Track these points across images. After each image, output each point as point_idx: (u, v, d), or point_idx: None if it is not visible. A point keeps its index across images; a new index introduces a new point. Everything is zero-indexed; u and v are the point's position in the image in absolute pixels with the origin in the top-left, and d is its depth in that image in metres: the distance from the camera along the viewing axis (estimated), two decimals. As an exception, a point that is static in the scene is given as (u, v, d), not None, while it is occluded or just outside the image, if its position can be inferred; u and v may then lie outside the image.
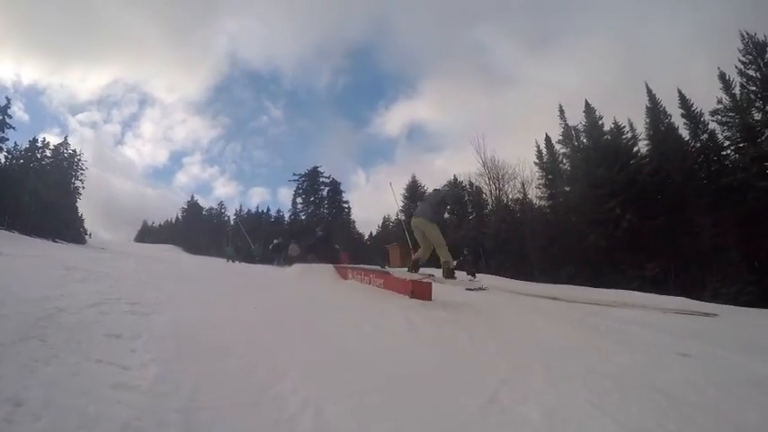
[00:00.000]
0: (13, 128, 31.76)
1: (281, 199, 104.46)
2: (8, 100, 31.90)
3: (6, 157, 32.18)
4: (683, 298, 12.65)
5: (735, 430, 3.08)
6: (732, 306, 12.40)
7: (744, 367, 4.70)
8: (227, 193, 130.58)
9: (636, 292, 14.89)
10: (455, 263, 9.50)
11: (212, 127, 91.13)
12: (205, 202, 64.18)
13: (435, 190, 9.52)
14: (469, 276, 13.10)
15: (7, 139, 31.37)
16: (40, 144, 35.62)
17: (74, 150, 37.82)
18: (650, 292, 15.58)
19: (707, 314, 9.27)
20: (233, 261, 29.05)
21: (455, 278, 8.98)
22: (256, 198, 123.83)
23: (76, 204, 36.71)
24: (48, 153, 35.90)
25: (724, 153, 26.22)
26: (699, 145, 27.07)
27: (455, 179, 37.23)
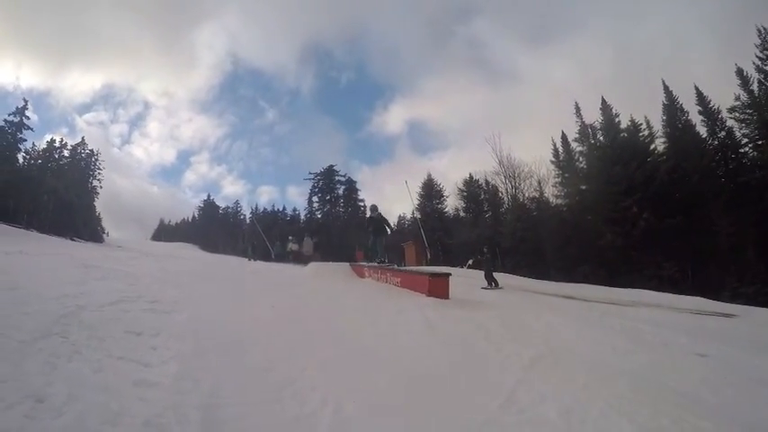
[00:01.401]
0: (32, 129, 32.17)
1: (290, 197, 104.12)
2: (25, 101, 32.17)
3: (24, 158, 32.60)
4: (700, 298, 12.50)
5: (750, 430, 3.06)
6: (751, 306, 12.20)
7: (761, 368, 4.65)
8: (235, 192, 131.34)
9: (652, 291, 14.75)
10: (470, 261, 9.98)
11: (218, 126, 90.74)
12: (216, 201, 64.30)
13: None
14: (490, 284, 12.42)
15: (25, 140, 31.75)
16: (57, 144, 35.99)
17: (91, 150, 38.16)
18: (667, 291, 15.39)
19: (727, 315, 9.15)
20: (253, 260, 29.15)
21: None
22: (265, 196, 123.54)
23: (94, 203, 37.06)
24: (65, 153, 36.24)
25: (742, 151, 25.62)
26: (716, 143, 26.47)
27: (472, 177, 37.22)
